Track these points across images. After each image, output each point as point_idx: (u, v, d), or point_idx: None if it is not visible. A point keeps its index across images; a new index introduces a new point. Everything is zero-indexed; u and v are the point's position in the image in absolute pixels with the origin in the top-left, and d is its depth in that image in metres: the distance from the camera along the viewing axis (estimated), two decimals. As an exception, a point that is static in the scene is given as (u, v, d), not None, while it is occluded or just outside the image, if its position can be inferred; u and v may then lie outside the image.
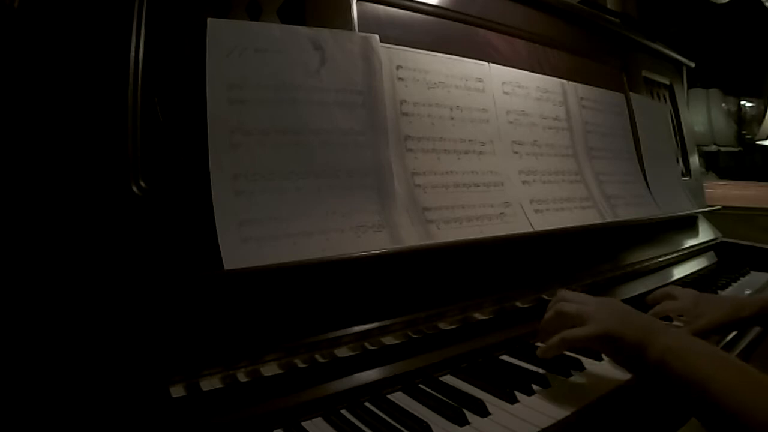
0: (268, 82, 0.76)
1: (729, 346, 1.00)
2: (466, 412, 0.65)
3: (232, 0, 0.78)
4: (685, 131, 1.77)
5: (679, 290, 1.06)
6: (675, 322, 0.97)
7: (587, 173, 1.24)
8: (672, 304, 1.02)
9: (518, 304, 0.92)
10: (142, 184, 0.65)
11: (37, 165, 0.60)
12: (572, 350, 0.80)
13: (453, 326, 0.83)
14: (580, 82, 1.31)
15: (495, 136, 1.06)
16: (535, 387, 0.71)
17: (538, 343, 0.78)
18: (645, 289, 1.15)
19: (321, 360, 0.69)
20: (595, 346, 0.73)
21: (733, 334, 1.02)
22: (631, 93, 1.49)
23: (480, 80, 1.06)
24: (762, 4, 3.05)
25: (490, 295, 0.89)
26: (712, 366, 0.61)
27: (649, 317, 0.75)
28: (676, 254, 1.38)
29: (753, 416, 0.55)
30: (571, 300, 0.76)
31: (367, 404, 0.69)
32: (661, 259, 1.30)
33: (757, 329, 1.10)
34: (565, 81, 1.26)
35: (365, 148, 0.84)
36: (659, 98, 1.70)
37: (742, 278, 1.41)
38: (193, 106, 0.71)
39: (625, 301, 1.10)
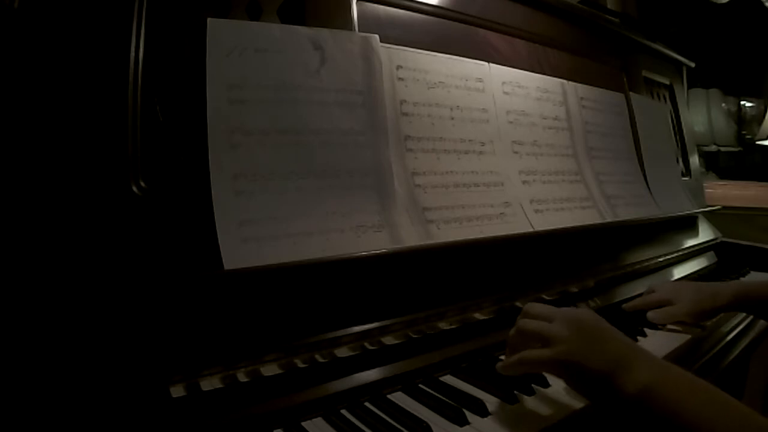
0: (268, 82, 0.76)
1: (730, 346, 1.00)
2: (466, 412, 0.65)
3: (232, 0, 0.78)
4: (685, 131, 1.77)
5: (657, 285, 1.07)
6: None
7: (587, 173, 1.24)
8: (650, 297, 1.03)
9: (518, 304, 0.92)
10: (142, 184, 0.65)
11: (37, 165, 0.60)
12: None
13: (453, 326, 0.83)
14: (580, 82, 1.30)
15: (495, 136, 1.06)
16: (535, 387, 0.71)
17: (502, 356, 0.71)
18: (645, 289, 1.15)
19: (321, 360, 0.69)
20: (553, 372, 0.65)
21: (734, 333, 1.03)
22: (631, 93, 1.49)
23: (480, 80, 1.06)
24: (762, 4, 3.05)
25: (490, 295, 0.89)
26: (704, 407, 0.55)
27: (625, 341, 0.63)
28: (676, 254, 1.38)
29: None
30: (535, 315, 0.68)
31: (367, 404, 0.69)
32: (661, 259, 1.30)
33: (758, 329, 1.10)
34: (565, 81, 1.26)
35: (365, 148, 0.84)
36: (659, 98, 1.70)
37: (742, 278, 1.41)
38: (193, 106, 0.71)
39: (625, 300, 1.11)
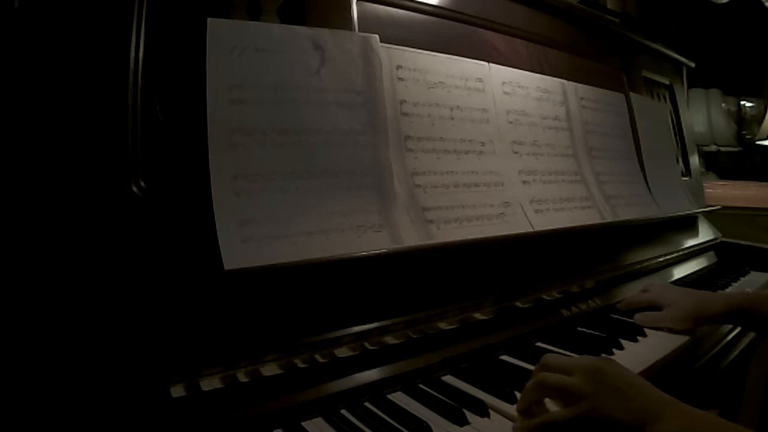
0: (268, 82, 0.76)
1: (730, 346, 1.00)
2: (466, 412, 0.65)
3: (232, 0, 0.78)
4: (685, 131, 1.77)
5: (651, 285, 1.08)
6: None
7: (587, 173, 1.24)
8: (640, 296, 1.03)
9: (518, 304, 0.92)
10: (142, 184, 0.65)
11: (37, 165, 0.60)
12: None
13: (453, 326, 0.83)
14: (580, 82, 1.31)
15: (495, 136, 1.06)
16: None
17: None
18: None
19: (321, 360, 0.69)
20: (579, 429, 0.60)
21: (734, 333, 1.03)
22: (631, 93, 1.49)
23: (480, 80, 1.06)
24: (762, 4, 3.05)
25: (490, 295, 0.89)
26: None
27: (650, 389, 0.61)
28: (676, 254, 1.38)
29: None
30: (554, 367, 0.65)
31: (367, 404, 0.69)
32: (661, 259, 1.30)
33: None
34: (565, 81, 1.26)
35: (365, 148, 0.84)
36: (659, 98, 1.70)
37: (742, 278, 1.41)
38: (193, 106, 0.71)
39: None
